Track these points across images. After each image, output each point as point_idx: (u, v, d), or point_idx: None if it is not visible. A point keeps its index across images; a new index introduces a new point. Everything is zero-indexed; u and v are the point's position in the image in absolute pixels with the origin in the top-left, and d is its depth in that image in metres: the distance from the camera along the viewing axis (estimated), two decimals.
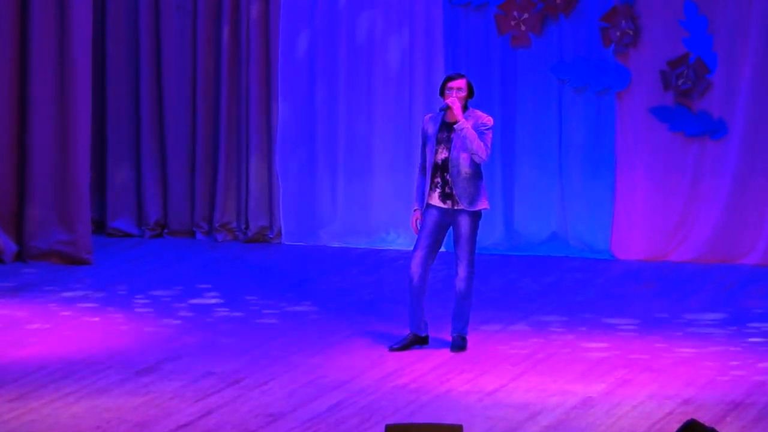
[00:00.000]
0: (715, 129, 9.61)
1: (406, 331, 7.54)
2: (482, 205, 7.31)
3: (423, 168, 7.36)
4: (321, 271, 9.29)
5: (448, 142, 7.27)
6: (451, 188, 7.25)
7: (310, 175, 10.06)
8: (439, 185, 7.29)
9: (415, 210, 7.37)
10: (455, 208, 7.28)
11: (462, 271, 7.34)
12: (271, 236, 10.06)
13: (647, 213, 9.69)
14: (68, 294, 8.65)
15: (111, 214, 10.16)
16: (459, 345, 7.38)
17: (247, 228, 10.09)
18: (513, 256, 9.67)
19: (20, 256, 9.37)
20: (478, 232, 7.37)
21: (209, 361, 7.36)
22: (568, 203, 9.79)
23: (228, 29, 10.00)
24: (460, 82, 7.29)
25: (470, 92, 7.32)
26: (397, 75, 9.95)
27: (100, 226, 10.15)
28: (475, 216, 7.31)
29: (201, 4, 10.01)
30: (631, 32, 9.59)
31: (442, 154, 7.28)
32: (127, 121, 10.18)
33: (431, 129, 7.33)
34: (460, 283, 7.36)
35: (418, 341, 7.44)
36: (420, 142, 7.41)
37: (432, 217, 7.30)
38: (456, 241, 7.33)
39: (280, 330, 7.95)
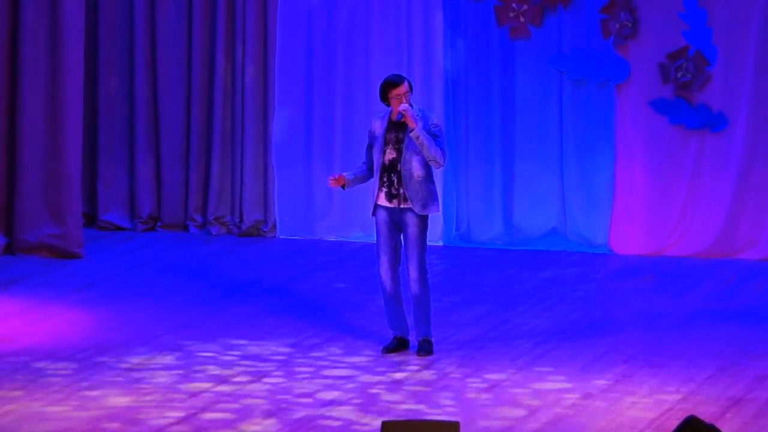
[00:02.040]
0: (714, 122, 9.57)
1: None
2: (434, 209, 7.24)
3: (366, 165, 7.29)
4: (316, 266, 9.24)
5: (396, 143, 7.19)
6: (397, 189, 7.18)
7: (305, 167, 10.00)
8: (386, 185, 7.21)
9: (339, 174, 7.24)
10: (402, 206, 7.20)
11: (413, 272, 7.24)
12: (265, 230, 10.00)
13: (646, 207, 9.66)
14: (58, 288, 8.58)
15: (102, 207, 10.09)
16: (426, 349, 7.29)
17: (241, 221, 10.02)
18: (512, 251, 9.62)
19: (9, 250, 9.30)
20: (428, 231, 7.27)
21: (203, 356, 7.29)
22: (567, 197, 9.74)
23: (224, 19, 9.93)
24: (404, 87, 7.17)
25: (410, 89, 7.21)
26: (396, 67, 9.87)
27: (91, 219, 10.08)
28: (424, 217, 7.23)
29: None
30: (630, 24, 9.56)
31: (389, 155, 7.20)
32: (120, 111, 10.11)
33: (378, 129, 7.25)
34: (414, 285, 7.27)
35: (403, 345, 7.36)
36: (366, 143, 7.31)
37: (383, 218, 7.24)
38: (405, 242, 7.25)
39: (275, 325, 7.88)
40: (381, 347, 7.37)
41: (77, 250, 9.22)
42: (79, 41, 9.22)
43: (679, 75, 9.50)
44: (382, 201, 7.24)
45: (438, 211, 7.28)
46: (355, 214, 9.91)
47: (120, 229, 10.07)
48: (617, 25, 9.56)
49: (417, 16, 9.80)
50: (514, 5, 9.69)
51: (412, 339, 7.38)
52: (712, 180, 9.54)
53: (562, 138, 9.72)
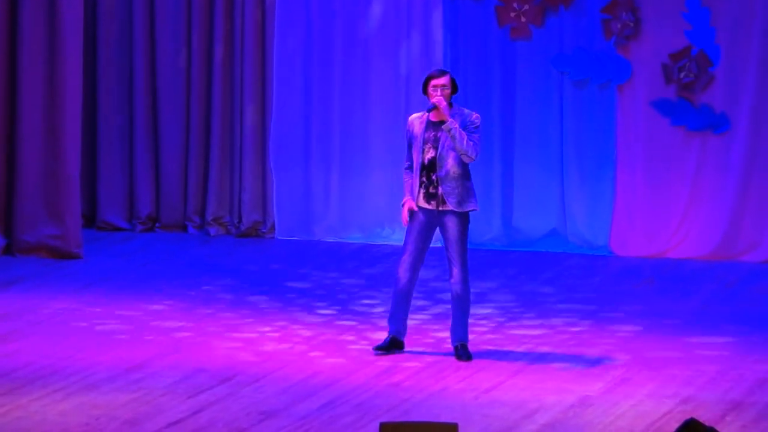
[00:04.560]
0: (717, 123, 9.55)
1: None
2: (471, 206, 7.19)
3: (409, 168, 7.24)
4: (315, 267, 9.21)
5: (435, 142, 7.16)
6: (435, 188, 7.14)
7: (304, 169, 9.99)
8: (424, 185, 7.18)
9: (405, 201, 7.22)
10: (440, 209, 7.16)
11: (456, 273, 7.21)
12: (264, 231, 9.99)
13: (647, 209, 9.64)
14: (57, 288, 8.56)
15: (102, 208, 10.08)
16: (464, 354, 7.25)
17: (240, 222, 10.01)
18: (511, 252, 9.61)
19: (9, 250, 9.29)
20: (469, 233, 7.23)
21: (201, 357, 7.28)
22: (567, 198, 9.73)
23: (222, 22, 9.92)
24: (444, 80, 7.16)
25: (454, 88, 7.21)
26: (395, 67, 9.88)
27: (90, 220, 10.08)
28: (463, 217, 7.18)
29: None
30: (632, 24, 9.54)
31: (429, 154, 7.17)
32: (119, 112, 10.11)
33: (417, 129, 7.22)
34: (456, 286, 7.23)
35: (397, 345, 7.32)
36: (405, 143, 7.28)
37: (418, 219, 7.19)
38: (446, 244, 7.21)
39: (272, 326, 7.86)
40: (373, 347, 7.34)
41: (76, 250, 9.21)
42: (78, 41, 9.21)
43: (681, 75, 9.49)
44: (421, 202, 7.17)
45: (476, 208, 7.19)
46: (353, 216, 9.91)
47: (119, 229, 10.07)
48: (619, 25, 9.55)
49: (416, 15, 9.79)
50: (515, 5, 9.67)
51: (433, 331, 7.29)
52: (714, 182, 9.52)
53: (562, 139, 9.71)
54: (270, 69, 9.90)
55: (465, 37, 9.75)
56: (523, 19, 9.65)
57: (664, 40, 9.51)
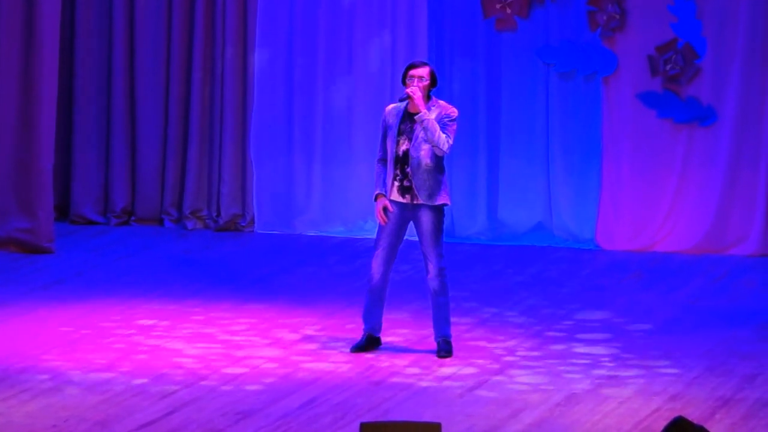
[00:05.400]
0: (704, 115, 9.54)
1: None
2: (442, 199, 7.08)
3: (382, 160, 7.14)
4: (295, 261, 9.12)
5: (410, 133, 7.06)
6: (410, 181, 7.04)
7: (285, 160, 9.91)
8: (398, 178, 7.08)
9: (377, 195, 7.11)
10: (414, 202, 7.06)
11: (432, 268, 7.11)
12: (243, 224, 9.89)
13: (634, 202, 9.63)
14: (27, 284, 8.43)
15: (76, 201, 9.95)
16: (445, 349, 7.17)
17: (218, 215, 9.91)
18: (496, 246, 9.56)
19: None
20: (444, 226, 7.13)
21: (174, 356, 7.15)
22: (553, 192, 9.71)
23: (203, 12, 9.87)
24: (423, 71, 7.07)
25: (433, 81, 7.10)
26: (380, 59, 9.81)
27: (63, 213, 9.96)
28: (437, 211, 7.08)
29: None
30: (617, 16, 9.53)
31: (403, 146, 7.07)
32: (95, 103, 10.00)
33: (393, 120, 7.12)
34: (432, 282, 7.14)
35: (374, 342, 7.24)
36: (380, 134, 7.18)
37: (392, 213, 7.09)
38: (420, 239, 7.12)
39: (251, 323, 7.75)
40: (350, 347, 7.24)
41: (47, 245, 9.09)
42: (55, 31, 9.11)
43: (668, 68, 9.50)
44: (395, 196, 7.07)
45: (447, 202, 7.09)
46: (335, 209, 9.84)
47: (93, 223, 9.95)
48: (605, 17, 9.53)
49: (401, 6, 9.73)
50: None
51: (415, 329, 7.21)
52: (701, 174, 9.52)
53: (548, 131, 9.68)
54: (251, 59, 9.82)
55: (450, 28, 9.71)
56: (508, 11, 9.62)
57: (650, 32, 9.49)
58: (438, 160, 7.07)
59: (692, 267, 9.07)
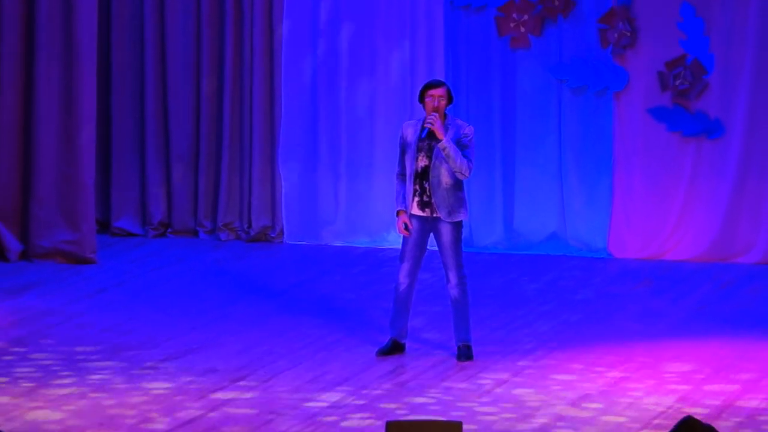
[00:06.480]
0: (712, 129, 9.62)
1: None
2: (461, 216, 7.16)
3: (401, 175, 7.24)
4: (323, 270, 9.29)
5: (428, 150, 7.15)
6: (429, 196, 7.14)
7: (312, 174, 10.05)
8: (417, 193, 7.17)
9: (399, 212, 7.23)
10: (434, 216, 7.17)
11: (453, 277, 7.24)
12: (273, 235, 10.06)
13: (645, 212, 9.68)
14: (72, 293, 8.65)
15: (115, 214, 10.14)
16: (466, 354, 7.30)
17: (249, 227, 10.09)
18: (512, 255, 9.67)
19: (25, 255, 9.37)
20: (463, 237, 7.26)
21: (212, 358, 7.37)
22: (566, 203, 9.78)
23: (232, 30, 9.99)
24: (441, 90, 7.11)
25: (449, 99, 7.21)
26: (399, 75, 9.93)
27: (104, 226, 10.13)
28: (456, 225, 7.17)
29: (205, 4, 10.03)
30: (628, 34, 9.61)
31: (422, 162, 7.13)
32: (131, 120, 10.15)
33: (411, 136, 7.17)
34: (453, 290, 7.28)
35: (398, 348, 7.40)
36: (398, 150, 7.27)
37: (414, 226, 7.21)
38: (441, 250, 7.23)
39: (282, 328, 7.95)
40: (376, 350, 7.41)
41: (91, 255, 9.28)
42: (92, 50, 9.22)
43: (677, 83, 9.54)
44: (415, 210, 7.17)
45: (466, 218, 7.18)
46: (361, 221, 9.94)
47: (132, 235, 10.14)
48: (616, 35, 9.62)
49: (419, 26, 9.86)
50: (514, 15, 9.77)
51: (433, 334, 7.34)
52: (709, 185, 9.58)
53: (561, 144, 9.77)
54: (278, 77, 9.94)
55: (466, 47, 9.81)
56: (522, 29, 9.73)
57: (660, 48, 9.57)
58: (457, 178, 7.16)
59: (700, 274, 9.16)
